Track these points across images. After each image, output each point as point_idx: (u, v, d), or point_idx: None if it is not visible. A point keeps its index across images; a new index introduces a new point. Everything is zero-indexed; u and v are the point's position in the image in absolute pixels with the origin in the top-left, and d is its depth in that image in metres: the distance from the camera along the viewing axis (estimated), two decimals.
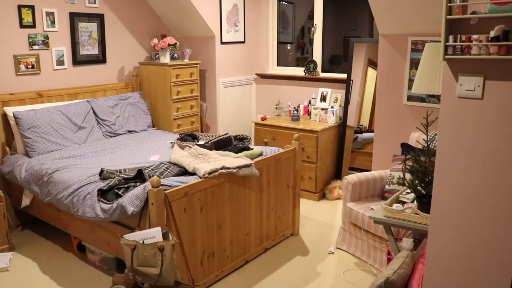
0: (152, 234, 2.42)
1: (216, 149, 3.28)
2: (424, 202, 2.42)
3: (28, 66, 3.90)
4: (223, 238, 3.01)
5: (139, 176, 2.88)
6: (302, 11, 5.95)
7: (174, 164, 3.06)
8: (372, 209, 3.10)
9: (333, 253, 3.42)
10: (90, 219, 2.83)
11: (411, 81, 3.48)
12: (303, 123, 4.67)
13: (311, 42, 5.11)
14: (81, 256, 3.36)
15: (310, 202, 4.47)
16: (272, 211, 3.43)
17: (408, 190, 2.74)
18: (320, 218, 4.10)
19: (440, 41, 1.85)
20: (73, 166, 3.28)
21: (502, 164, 1.81)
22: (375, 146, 3.97)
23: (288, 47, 5.90)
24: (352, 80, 4.65)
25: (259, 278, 3.09)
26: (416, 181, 2.49)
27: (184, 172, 2.98)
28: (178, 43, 4.69)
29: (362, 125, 4.82)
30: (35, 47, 3.93)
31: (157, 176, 2.83)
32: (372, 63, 4.52)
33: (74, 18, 4.19)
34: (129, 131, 4.28)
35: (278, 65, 5.49)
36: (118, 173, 3.00)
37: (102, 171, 3.03)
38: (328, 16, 5.25)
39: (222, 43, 4.97)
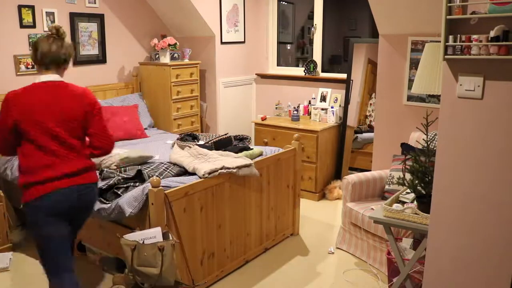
0: (152, 234, 2.42)
1: (216, 149, 3.28)
2: (424, 202, 2.42)
3: (28, 66, 3.90)
4: (223, 238, 3.01)
5: (139, 176, 2.88)
6: (302, 11, 5.95)
7: (174, 164, 3.06)
8: (372, 209, 3.10)
9: (333, 253, 3.42)
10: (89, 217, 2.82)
11: (411, 81, 3.48)
12: (303, 123, 4.67)
13: (311, 42, 5.11)
14: (81, 256, 3.35)
15: (310, 202, 4.47)
16: (272, 211, 3.43)
17: (408, 190, 2.74)
18: (320, 218, 4.10)
19: (440, 41, 1.85)
20: None
21: (502, 164, 1.81)
22: (375, 146, 3.97)
23: (288, 47, 5.90)
24: (352, 80, 4.66)
25: (259, 278, 3.09)
26: (416, 181, 2.49)
27: (184, 172, 2.98)
28: (178, 43, 4.69)
29: (362, 125, 4.83)
30: None
31: (157, 176, 2.83)
32: (372, 63, 4.52)
33: (74, 18, 4.19)
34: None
35: (278, 65, 5.49)
36: (117, 173, 3.00)
37: (102, 171, 3.03)
38: (328, 16, 5.25)
39: (222, 43, 4.97)
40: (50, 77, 2.19)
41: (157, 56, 4.68)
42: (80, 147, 2.23)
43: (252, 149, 3.35)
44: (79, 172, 2.20)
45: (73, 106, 2.19)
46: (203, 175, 2.81)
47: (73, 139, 2.19)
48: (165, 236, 2.45)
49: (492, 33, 1.71)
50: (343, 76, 4.74)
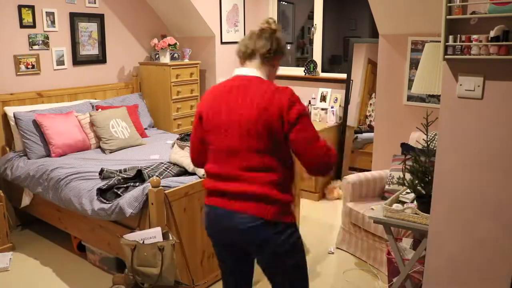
0: (152, 234, 2.42)
1: None
2: (424, 202, 2.42)
3: (28, 66, 3.90)
4: None
5: (139, 176, 2.88)
6: (302, 11, 5.95)
7: (174, 164, 3.06)
8: (372, 209, 3.10)
9: (333, 253, 3.42)
10: (89, 216, 2.83)
11: (411, 81, 3.48)
12: None
13: (311, 42, 5.11)
14: (81, 256, 3.36)
15: (310, 202, 4.47)
16: None
17: (408, 190, 2.73)
18: (320, 218, 4.10)
19: (440, 41, 1.85)
20: (74, 164, 3.28)
21: (502, 164, 1.81)
22: (375, 146, 3.97)
23: (288, 47, 5.91)
24: (352, 80, 4.65)
25: (259, 278, 3.08)
26: (416, 181, 2.49)
27: (184, 172, 2.98)
28: (178, 43, 4.69)
29: (362, 125, 4.83)
30: (35, 47, 3.93)
31: (157, 176, 2.83)
32: (372, 63, 4.52)
33: (74, 18, 4.19)
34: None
35: None
36: (117, 173, 3.00)
37: (102, 170, 3.03)
38: (328, 16, 5.26)
39: (222, 43, 4.97)
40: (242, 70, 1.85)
41: (157, 56, 4.68)
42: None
43: None
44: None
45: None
46: (203, 175, 2.81)
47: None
48: (165, 236, 2.45)
49: (492, 33, 1.71)
50: (343, 76, 4.73)
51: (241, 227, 1.74)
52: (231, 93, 1.78)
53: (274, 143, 1.73)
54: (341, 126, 4.71)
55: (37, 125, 3.60)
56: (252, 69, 1.83)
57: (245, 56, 1.85)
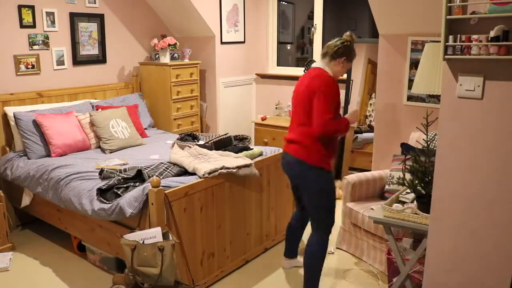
0: (152, 234, 2.42)
1: (216, 149, 3.28)
2: (424, 202, 2.42)
3: (28, 66, 3.90)
4: (223, 238, 3.01)
5: (139, 176, 2.88)
6: (302, 11, 5.95)
7: (174, 164, 3.06)
8: (372, 209, 3.10)
9: (333, 253, 3.42)
10: (89, 216, 2.83)
11: (411, 81, 3.48)
12: None
13: (311, 42, 5.11)
14: (81, 256, 3.36)
15: None
16: (272, 211, 3.43)
17: (408, 190, 2.74)
18: None
19: (440, 41, 1.85)
20: (74, 164, 3.29)
21: (502, 164, 1.81)
22: (375, 146, 3.97)
23: (288, 47, 5.91)
24: (352, 80, 4.65)
25: (259, 278, 3.09)
26: (416, 181, 2.49)
27: (184, 172, 2.98)
28: (178, 43, 4.69)
29: (362, 125, 4.82)
30: (35, 47, 3.93)
31: (157, 176, 2.83)
32: (372, 63, 4.52)
33: (74, 18, 4.19)
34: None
35: (278, 65, 5.49)
36: (117, 173, 3.00)
37: (102, 170, 3.03)
38: (328, 16, 5.25)
39: (222, 43, 4.97)
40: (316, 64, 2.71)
41: (157, 56, 4.68)
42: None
43: (252, 149, 3.35)
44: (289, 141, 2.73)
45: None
46: (203, 175, 2.81)
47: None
48: (165, 236, 2.45)
49: (492, 33, 1.71)
50: (343, 76, 4.73)
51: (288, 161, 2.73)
52: (304, 78, 2.72)
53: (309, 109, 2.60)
54: None
55: (37, 125, 3.60)
56: (319, 63, 2.69)
57: (322, 54, 2.70)
